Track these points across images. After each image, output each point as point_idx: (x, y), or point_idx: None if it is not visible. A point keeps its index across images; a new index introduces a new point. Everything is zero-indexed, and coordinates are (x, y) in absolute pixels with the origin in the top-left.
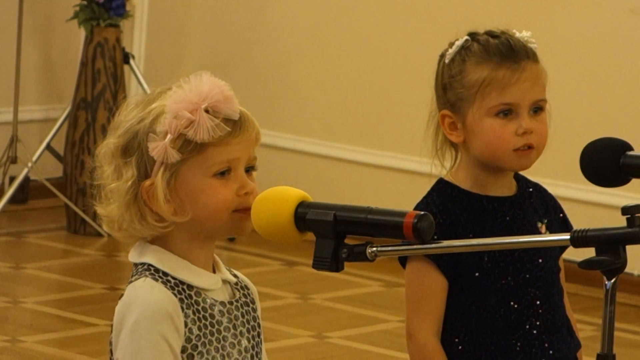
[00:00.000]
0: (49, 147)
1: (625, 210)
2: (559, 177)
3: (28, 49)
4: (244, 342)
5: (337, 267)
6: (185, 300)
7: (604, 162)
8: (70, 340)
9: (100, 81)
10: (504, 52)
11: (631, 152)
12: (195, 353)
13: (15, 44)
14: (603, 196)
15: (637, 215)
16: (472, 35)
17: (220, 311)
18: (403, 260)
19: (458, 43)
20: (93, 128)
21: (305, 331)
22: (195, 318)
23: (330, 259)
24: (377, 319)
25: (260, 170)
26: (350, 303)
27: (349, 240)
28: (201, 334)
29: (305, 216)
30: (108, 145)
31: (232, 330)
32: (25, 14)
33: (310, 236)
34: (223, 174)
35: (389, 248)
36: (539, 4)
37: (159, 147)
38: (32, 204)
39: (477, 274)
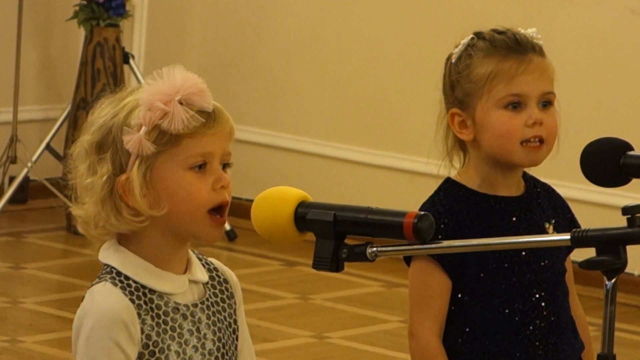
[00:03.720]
0: (48, 147)
1: (625, 210)
2: (559, 177)
3: (28, 49)
4: (209, 345)
5: (337, 267)
6: (144, 306)
7: (604, 162)
8: (70, 341)
9: (100, 81)
10: (510, 44)
11: (631, 152)
12: (152, 359)
13: (15, 44)
14: (603, 196)
15: (637, 215)
16: (478, 34)
17: (183, 315)
18: (408, 259)
19: (464, 42)
20: None
21: (305, 331)
22: (154, 324)
23: (330, 259)
24: (377, 319)
25: (261, 170)
26: (350, 303)
27: (349, 240)
28: (159, 339)
29: (305, 216)
30: (82, 142)
31: (195, 334)
32: (25, 13)
33: (310, 236)
34: (199, 167)
35: (389, 248)
36: (539, 3)
37: (134, 140)
38: (32, 204)
39: (482, 275)
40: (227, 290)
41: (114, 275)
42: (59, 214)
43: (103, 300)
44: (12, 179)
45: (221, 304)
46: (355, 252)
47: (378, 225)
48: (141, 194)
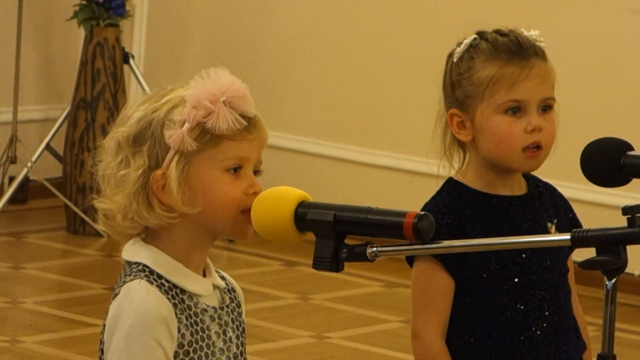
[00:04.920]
0: (48, 147)
1: (625, 210)
2: (560, 177)
3: (28, 49)
4: (234, 348)
5: (337, 267)
6: (179, 305)
7: (605, 162)
8: (70, 341)
9: (100, 81)
10: (513, 49)
11: (631, 152)
12: (186, 359)
13: (15, 44)
14: (603, 196)
15: (637, 215)
16: (480, 34)
17: (211, 317)
18: (410, 260)
19: (466, 42)
20: (93, 128)
21: (305, 331)
22: (188, 323)
23: (330, 259)
24: (377, 319)
25: None
26: (350, 303)
27: (349, 240)
28: (193, 339)
29: (306, 216)
30: (116, 135)
31: (222, 336)
32: (25, 13)
33: (310, 236)
34: (234, 170)
35: (389, 248)
36: (540, 4)
37: (177, 135)
38: (32, 204)
39: (484, 275)
40: (235, 299)
41: (147, 273)
42: (59, 214)
43: (142, 297)
44: (12, 179)
45: (234, 312)
46: (355, 252)
47: (378, 225)
48: (178, 190)
